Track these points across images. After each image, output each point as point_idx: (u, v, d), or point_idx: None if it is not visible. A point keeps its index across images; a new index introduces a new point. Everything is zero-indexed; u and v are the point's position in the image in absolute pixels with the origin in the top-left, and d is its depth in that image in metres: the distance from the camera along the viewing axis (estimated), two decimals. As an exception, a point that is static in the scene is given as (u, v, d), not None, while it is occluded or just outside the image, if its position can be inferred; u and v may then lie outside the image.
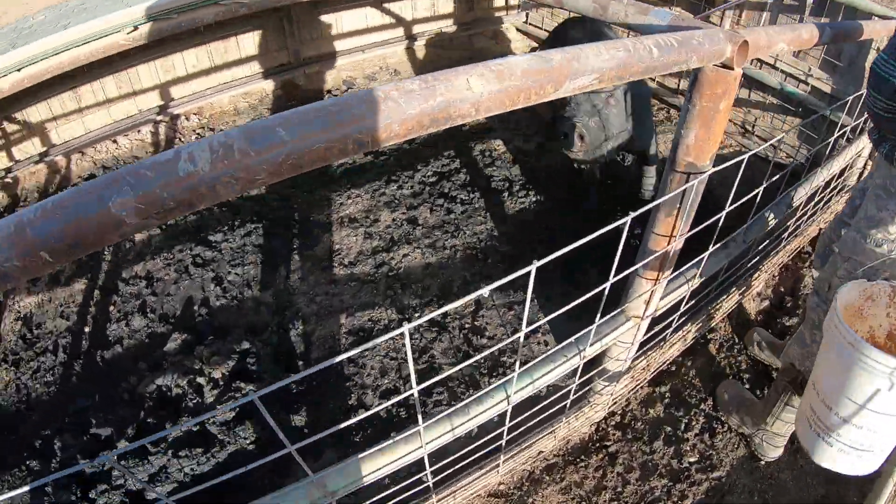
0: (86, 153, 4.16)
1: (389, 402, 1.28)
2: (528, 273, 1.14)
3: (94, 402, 2.96)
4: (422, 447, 1.52)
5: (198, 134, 4.44)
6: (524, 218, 3.73)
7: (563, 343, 1.64)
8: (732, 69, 1.41)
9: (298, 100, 4.77)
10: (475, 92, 0.89)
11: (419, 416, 1.32)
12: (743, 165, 1.67)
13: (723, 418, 2.74)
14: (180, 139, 4.40)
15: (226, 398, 2.81)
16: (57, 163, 4.03)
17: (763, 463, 2.60)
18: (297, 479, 1.47)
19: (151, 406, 2.83)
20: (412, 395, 1.23)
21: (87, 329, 3.29)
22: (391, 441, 1.51)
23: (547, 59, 0.99)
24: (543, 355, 1.63)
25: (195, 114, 4.51)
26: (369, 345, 1.05)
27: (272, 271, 3.50)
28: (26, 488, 0.93)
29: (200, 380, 2.87)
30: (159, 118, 4.33)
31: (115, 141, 4.23)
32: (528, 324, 1.31)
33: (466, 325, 3.15)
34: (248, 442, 2.70)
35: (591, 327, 1.63)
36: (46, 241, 0.71)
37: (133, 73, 4.12)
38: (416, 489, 1.90)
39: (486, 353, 1.36)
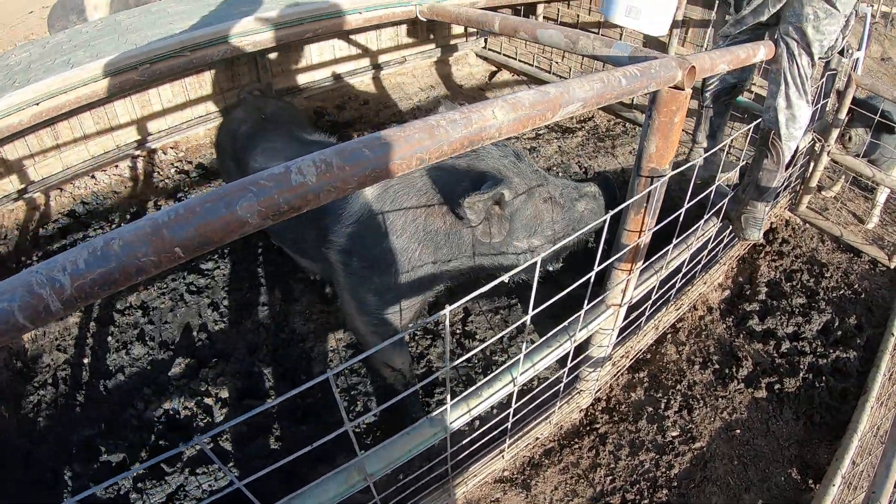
0: (64, 189, 4.22)
1: (395, 399, 1.50)
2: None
3: (100, 430, 3.03)
4: (445, 428, 1.74)
5: (175, 167, 4.57)
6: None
7: (556, 329, 1.89)
8: (683, 90, 1.70)
9: (272, 131, 4.94)
10: (498, 119, 1.14)
11: (448, 395, 1.55)
12: (697, 168, 1.96)
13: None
14: (158, 173, 4.52)
15: (236, 416, 2.95)
16: (35, 200, 4.09)
17: (738, 431, 2.88)
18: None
19: (161, 430, 2.95)
20: (443, 374, 1.45)
21: (85, 360, 3.36)
22: (419, 423, 1.73)
23: (546, 92, 1.25)
24: (540, 341, 1.87)
25: (172, 147, 4.64)
26: (365, 354, 1.27)
27: (267, 294, 3.66)
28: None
29: (208, 401, 3.02)
30: (137, 153, 4.43)
31: (93, 177, 4.32)
32: (516, 323, 1.55)
33: (458, 331, 3.37)
34: (262, 455, 2.85)
35: (578, 313, 1.88)
36: (182, 240, 0.90)
37: (110, 109, 4.22)
38: (433, 474, 2.11)
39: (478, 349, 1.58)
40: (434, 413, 1.72)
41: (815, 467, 2.81)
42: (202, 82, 4.59)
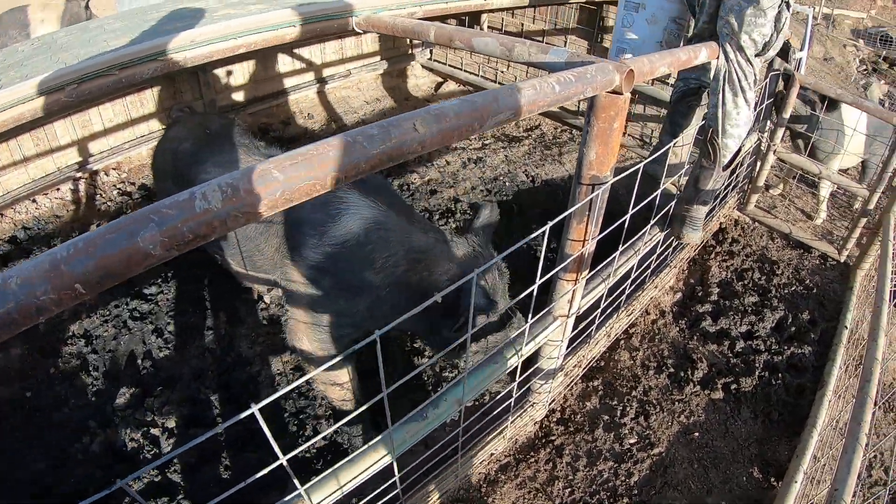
0: (5, 214, 4.03)
1: (341, 422, 1.44)
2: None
3: (46, 465, 2.89)
4: (391, 452, 1.67)
5: (118, 189, 4.43)
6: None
7: (501, 344, 1.84)
8: (622, 94, 1.67)
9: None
10: (420, 133, 1.08)
11: (388, 420, 1.49)
12: (640, 174, 1.94)
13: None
14: (101, 195, 4.37)
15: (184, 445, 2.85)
16: (-26, 226, 3.87)
17: (697, 434, 2.88)
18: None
19: (108, 463, 2.83)
20: (382, 398, 1.39)
21: (28, 394, 3.22)
22: (363, 449, 1.67)
23: (472, 101, 1.20)
24: (486, 356, 1.82)
25: (114, 169, 4.49)
26: (306, 378, 1.22)
27: (211, 318, 3.55)
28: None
29: (155, 431, 2.91)
30: (78, 175, 4.26)
31: (34, 200, 4.13)
32: (458, 340, 1.51)
33: (406, 348, 3.32)
34: (210, 485, 2.76)
35: (524, 327, 1.83)
36: (81, 275, 0.83)
37: (50, 130, 4.05)
38: (385, 497, 2.04)
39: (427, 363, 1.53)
40: (377, 438, 1.65)
41: (776, 465, 2.82)
42: (143, 100, 4.46)
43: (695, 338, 3.35)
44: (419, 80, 6.15)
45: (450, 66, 5.99)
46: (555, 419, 2.95)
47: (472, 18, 5.75)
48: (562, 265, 1.91)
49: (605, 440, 2.85)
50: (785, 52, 3.34)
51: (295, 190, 0.95)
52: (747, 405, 3.05)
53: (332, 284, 2.56)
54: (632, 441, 2.85)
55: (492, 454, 2.67)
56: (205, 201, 0.89)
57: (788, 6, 2.60)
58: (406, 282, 2.46)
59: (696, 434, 2.90)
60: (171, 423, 2.94)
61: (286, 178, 0.94)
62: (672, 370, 3.17)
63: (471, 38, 2.17)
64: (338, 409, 2.93)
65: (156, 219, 0.87)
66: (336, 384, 2.78)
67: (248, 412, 1.09)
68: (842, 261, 3.96)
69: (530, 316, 1.78)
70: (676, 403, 3.02)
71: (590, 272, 2.12)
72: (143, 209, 0.88)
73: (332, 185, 0.99)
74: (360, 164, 1.01)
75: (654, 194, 2.30)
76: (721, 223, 4.19)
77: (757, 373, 3.16)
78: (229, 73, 4.80)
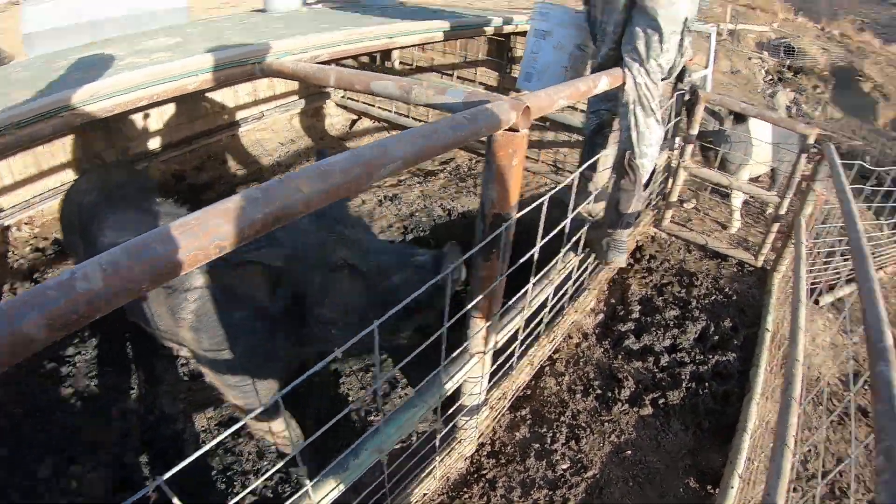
0: (-85, 276, 3.86)
1: (263, 478, 1.42)
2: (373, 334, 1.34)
3: None
4: (311, 508, 1.65)
5: (31, 245, 4.28)
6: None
7: (418, 387, 1.85)
8: (519, 131, 1.70)
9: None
10: (305, 193, 1.09)
11: (305, 479, 1.47)
12: (545, 205, 1.97)
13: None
14: (13, 252, 4.21)
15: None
16: None
17: (629, 452, 2.91)
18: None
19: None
20: (297, 474, 1.38)
21: None
22: (283, 506, 1.64)
23: (359, 156, 1.21)
24: (403, 402, 1.82)
25: (26, 223, 4.34)
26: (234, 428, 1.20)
27: (132, 376, 3.44)
28: None
29: (80, 501, 2.78)
30: (-11, 231, 4.13)
31: (-55, 259, 3.99)
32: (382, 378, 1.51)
33: (330, 393, 3.29)
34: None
35: (438, 368, 1.84)
36: None
37: (-42, 185, 3.91)
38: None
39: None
40: (296, 495, 1.62)
41: (711, 472, 2.86)
42: (54, 152, 4.33)
43: (619, 357, 3.41)
44: (334, 119, 6.17)
45: (363, 102, 6.04)
46: (485, 453, 2.94)
47: (383, 55, 5.81)
48: (472, 303, 1.94)
49: (537, 468, 2.85)
50: (681, 75, 3.50)
51: (178, 263, 0.94)
52: (677, 417, 3.11)
53: (211, 342, 2.44)
54: (564, 466, 2.87)
55: (424, 494, 2.64)
56: (86, 282, 0.87)
57: (690, 31, 2.73)
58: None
59: (629, 452, 2.93)
60: (98, 490, 2.82)
61: (167, 252, 0.93)
62: (599, 391, 3.21)
63: (369, 82, 2.19)
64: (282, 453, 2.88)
65: (37, 303, 0.84)
66: (272, 433, 2.72)
67: (154, 485, 1.06)
68: (759, 266, 4.11)
69: (442, 358, 1.79)
70: (606, 424, 3.05)
71: (504, 306, 2.14)
72: (24, 293, 0.86)
73: (216, 254, 0.99)
74: (243, 229, 1.00)
75: (564, 223, 2.35)
76: (637, 241, 4.31)
77: (684, 384, 3.23)
78: (141, 119, 4.71)
